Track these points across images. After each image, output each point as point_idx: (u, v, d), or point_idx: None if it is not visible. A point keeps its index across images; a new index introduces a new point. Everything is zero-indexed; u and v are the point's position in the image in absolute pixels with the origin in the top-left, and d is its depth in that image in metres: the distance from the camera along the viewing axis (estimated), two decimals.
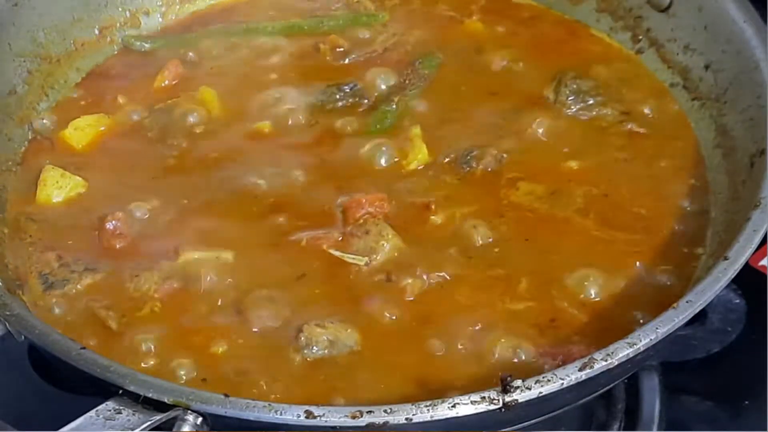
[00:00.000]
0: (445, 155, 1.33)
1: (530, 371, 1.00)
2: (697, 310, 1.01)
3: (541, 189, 1.28)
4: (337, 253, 1.20)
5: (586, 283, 1.16)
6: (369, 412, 0.91)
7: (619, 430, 1.23)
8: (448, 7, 1.60)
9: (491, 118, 1.38)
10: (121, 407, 0.94)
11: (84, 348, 0.99)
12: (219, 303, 1.16)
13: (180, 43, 1.55)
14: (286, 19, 1.59)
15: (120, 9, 1.57)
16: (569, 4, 1.58)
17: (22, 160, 1.37)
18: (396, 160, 1.32)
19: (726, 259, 1.05)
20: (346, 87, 1.43)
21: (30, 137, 1.40)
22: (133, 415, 0.93)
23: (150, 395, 0.94)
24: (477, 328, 1.12)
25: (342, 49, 1.51)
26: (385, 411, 0.91)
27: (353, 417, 0.91)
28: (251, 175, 1.31)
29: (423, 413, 0.91)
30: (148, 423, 0.92)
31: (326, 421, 0.91)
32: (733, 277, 1.04)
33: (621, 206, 1.26)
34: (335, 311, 1.14)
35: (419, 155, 1.32)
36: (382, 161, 1.32)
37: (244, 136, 1.38)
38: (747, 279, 1.14)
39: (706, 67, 1.39)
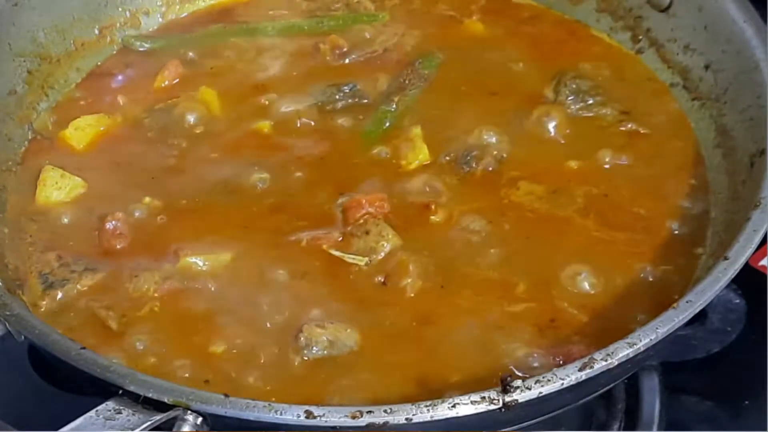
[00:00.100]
0: (445, 155, 1.33)
1: (530, 371, 1.00)
2: (697, 310, 1.01)
3: (542, 189, 1.28)
4: (337, 253, 1.20)
5: (586, 283, 1.17)
6: (369, 412, 0.91)
7: (619, 430, 1.23)
8: (448, 7, 1.60)
9: (491, 117, 1.38)
10: (121, 407, 0.94)
11: (84, 348, 0.99)
12: (218, 303, 1.16)
13: (180, 43, 1.55)
14: (286, 19, 1.59)
15: (120, 9, 1.57)
16: (569, 4, 1.58)
17: (22, 160, 1.37)
18: (396, 160, 1.33)
19: (726, 259, 1.05)
20: (345, 87, 1.43)
21: (30, 137, 1.40)
22: (133, 415, 0.93)
23: (150, 395, 0.94)
24: (477, 328, 1.12)
25: (342, 49, 1.51)
26: (385, 411, 0.91)
27: (353, 417, 0.91)
28: (251, 175, 1.31)
29: (423, 413, 0.91)
30: (148, 423, 0.92)
31: (326, 421, 0.91)
32: (733, 277, 1.04)
33: (621, 206, 1.26)
34: (335, 311, 1.14)
35: (419, 155, 1.32)
36: (382, 161, 1.32)
37: (244, 136, 1.38)
38: (747, 279, 1.14)
39: (706, 67, 1.39)
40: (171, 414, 0.93)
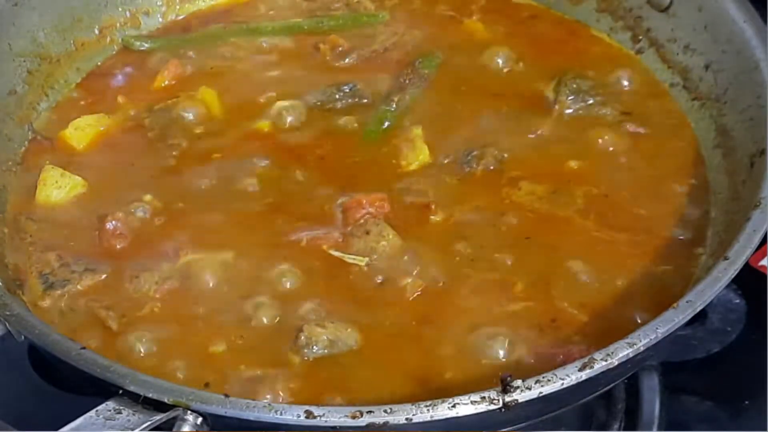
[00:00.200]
0: (445, 155, 1.33)
1: (530, 371, 1.00)
2: (697, 310, 1.01)
3: (542, 189, 1.28)
4: (337, 254, 1.20)
5: (586, 284, 1.17)
6: (369, 412, 0.91)
7: (619, 430, 1.23)
8: (448, 7, 1.60)
9: (491, 117, 1.38)
10: (121, 407, 0.94)
11: (84, 348, 0.99)
12: (219, 303, 1.16)
13: (180, 43, 1.55)
14: (286, 19, 1.59)
15: (120, 9, 1.57)
16: (569, 4, 1.58)
17: (22, 160, 1.37)
18: (396, 160, 1.33)
19: (726, 259, 1.05)
20: (345, 87, 1.43)
21: (30, 137, 1.40)
22: (133, 415, 0.93)
23: (150, 395, 0.94)
24: (477, 327, 1.12)
25: (342, 49, 1.51)
26: (385, 411, 0.91)
27: (353, 417, 0.91)
28: (251, 175, 1.31)
29: (423, 413, 0.91)
30: (148, 423, 0.92)
31: (326, 421, 0.91)
32: (733, 277, 1.04)
33: (621, 206, 1.26)
34: (335, 311, 1.14)
35: (420, 155, 1.32)
36: (382, 161, 1.32)
37: (244, 136, 1.38)
38: (747, 279, 1.14)
39: (706, 67, 1.39)
40: (171, 414, 0.93)
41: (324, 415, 0.91)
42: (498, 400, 0.92)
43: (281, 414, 0.92)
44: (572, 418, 1.24)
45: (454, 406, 0.91)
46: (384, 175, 1.31)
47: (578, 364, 0.95)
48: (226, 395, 0.93)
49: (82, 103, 1.47)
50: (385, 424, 0.91)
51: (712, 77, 1.37)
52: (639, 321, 1.11)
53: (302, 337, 1.10)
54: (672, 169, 1.31)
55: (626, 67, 1.47)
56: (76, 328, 1.14)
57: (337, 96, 1.42)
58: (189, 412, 0.93)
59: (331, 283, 1.18)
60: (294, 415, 0.91)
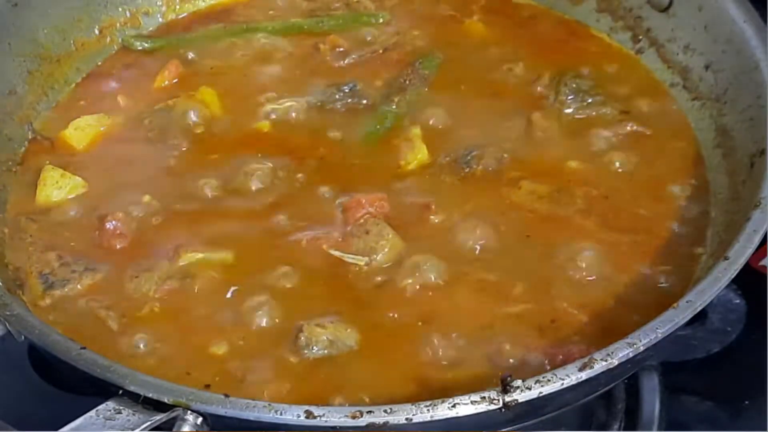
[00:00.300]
0: (445, 155, 1.33)
1: (530, 371, 1.00)
2: (697, 310, 1.01)
3: (542, 189, 1.28)
4: (337, 253, 1.20)
5: (586, 284, 1.17)
6: (369, 412, 0.91)
7: (619, 430, 1.23)
8: (448, 7, 1.60)
9: (491, 117, 1.38)
10: (121, 407, 0.94)
11: (84, 348, 0.99)
12: (219, 303, 1.16)
13: (180, 43, 1.55)
14: (286, 19, 1.59)
15: (120, 9, 1.57)
16: (569, 4, 1.58)
17: (22, 160, 1.37)
18: (396, 160, 1.33)
19: (726, 259, 1.05)
20: (345, 87, 1.43)
21: (30, 137, 1.40)
22: (133, 415, 0.93)
23: (150, 395, 0.94)
24: (477, 327, 1.12)
25: (342, 49, 1.52)
26: (385, 411, 0.91)
27: (353, 417, 0.91)
28: (251, 175, 1.31)
29: (423, 413, 0.91)
30: (148, 423, 0.92)
31: (326, 421, 0.91)
32: (733, 277, 1.04)
33: (621, 206, 1.26)
34: (335, 311, 1.14)
35: (419, 155, 1.32)
36: (382, 161, 1.32)
37: (244, 136, 1.38)
38: (747, 279, 1.14)
39: (706, 67, 1.39)
40: (171, 414, 0.93)
41: (324, 415, 0.91)
42: (498, 400, 0.92)
43: (281, 414, 0.92)
44: (572, 418, 1.24)
45: (454, 406, 0.91)
46: (384, 175, 1.31)
47: (578, 364, 0.95)
48: (226, 395, 0.93)
49: (82, 103, 1.47)
50: (385, 424, 0.91)
51: (712, 77, 1.37)
52: (639, 321, 1.11)
53: (302, 338, 1.10)
54: (672, 169, 1.31)
55: (626, 67, 1.47)
56: (76, 328, 1.13)
57: (337, 96, 1.42)
58: (189, 412, 0.93)
59: (331, 283, 1.18)
60: (294, 415, 0.91)
